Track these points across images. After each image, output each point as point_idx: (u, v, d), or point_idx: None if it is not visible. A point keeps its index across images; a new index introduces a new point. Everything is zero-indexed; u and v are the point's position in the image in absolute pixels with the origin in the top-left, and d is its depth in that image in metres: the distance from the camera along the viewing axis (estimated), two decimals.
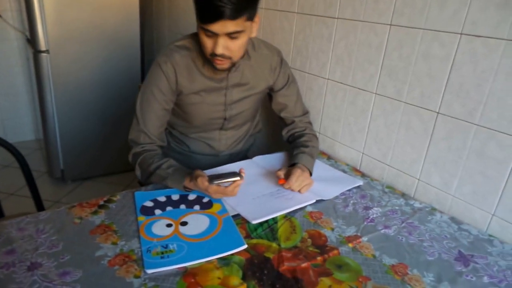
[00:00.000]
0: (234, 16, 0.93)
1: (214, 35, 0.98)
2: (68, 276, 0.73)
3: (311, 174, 1.14)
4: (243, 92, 1.22)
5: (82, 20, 2.18)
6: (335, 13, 1.28)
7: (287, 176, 1.09)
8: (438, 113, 1.04)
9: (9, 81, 2.83)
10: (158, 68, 1.11)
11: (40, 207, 1.33)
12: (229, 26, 0.95)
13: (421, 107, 1.08)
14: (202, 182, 0.98)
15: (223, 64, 1.05)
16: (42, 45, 2.12)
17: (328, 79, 1.36)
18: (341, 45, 1.28)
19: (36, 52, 2.14)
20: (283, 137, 1.35)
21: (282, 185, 1.09)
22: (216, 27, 0.95)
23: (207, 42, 1.00)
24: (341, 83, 1.31)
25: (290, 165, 1.16)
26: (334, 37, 1.30)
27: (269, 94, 1.32)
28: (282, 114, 1.31)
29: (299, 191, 1.08)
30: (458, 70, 0.97)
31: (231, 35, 0.98)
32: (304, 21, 1.42)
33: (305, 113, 1.33)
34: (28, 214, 0.92)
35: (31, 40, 2.15)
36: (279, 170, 1.13)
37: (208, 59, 1.06)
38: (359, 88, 1.25)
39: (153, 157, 1.11)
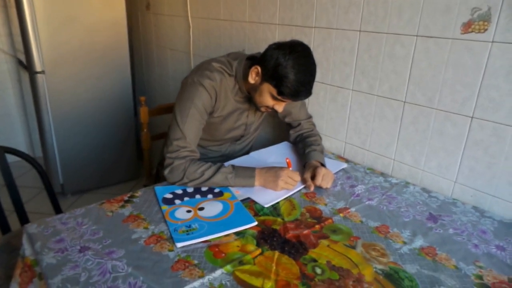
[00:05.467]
0: (308, 97, 1.16)
1: (281, 101, 1.18)
2: (114, 254, 0.88)
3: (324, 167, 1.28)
4: (259, 112, 1.38)
5: (74, 41, 2.31)
6: (312, 23, 1.48)
7: (312, 175, 1.22)
8: (404, 102, 1.25)
9: (0, 103, 2.91)
10: (201, 87, 1.20)
11: (58, 210, 1.46)
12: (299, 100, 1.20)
13: (391, 98, 1.28)
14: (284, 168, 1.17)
15: (268, 111, 1.28)
16: (38, 67, 2.24)
17: None
18: (319, 51, 1.48)
19: (32, 73, 2.26)
20: (290, 136, 1.50)
21: (308, 185, 1.20)
22: (291, 101, 1.19)
23: (270, 102, 1.19)
24: (322, 83, 1.51)
25: (305, 162, 1.30)
26: (312, 44, 1.50)
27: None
28: (287, 120, 1.48)
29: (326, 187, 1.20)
30: (417, 65, 1.18)
31: None
32: (285, 31, 1.62)
33: (309, 117, 1.50)
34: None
35: (27, 62, 2.26)
36: (305, 174, 1.23)
37: (255, 104, 1.25)
38: (338, 86, 1.45)
39: (200, 165, 1.17)
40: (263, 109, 1.25)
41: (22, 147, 3.08)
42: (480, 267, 0.88)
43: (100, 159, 2.61)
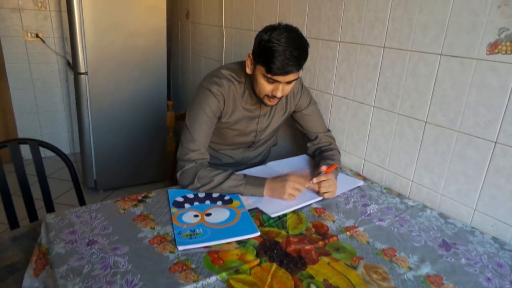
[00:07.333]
0: (298, 70, 1.13)
1: (275, 82, 1.15)
2: (118, 250, 0.92)
3: None
4: (271, 119, 1.39)
5: (116, 45, 2.45)
6: (338, 37, 1.48)
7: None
8: (426, 122, 1.20)
9: (48, 100, 3.14)
10: (209, 93, 1.25)
11: (82, 202, 1.55)
12: (291, 76, 1.14)
13: (411, 117, 1.24)
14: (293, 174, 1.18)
15: (274, 103, 1.24)
16: (82, 68, 2.40)
17: (333, 94, 1.54)
18: (343, 65, 1.47)
19: (77, 74, 2.42)
20: (308, 149, 1.49)
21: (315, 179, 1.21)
22: (282, 78, 1.14)
23: (266, 86, 1.17)
24: (344, 97, 1.49)
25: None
26: (337, 58, 1.49)
27: (291, 116, 1.48)
28: (305, 131, 1.47)
29: (323, 194, 1.20)
30: (440, 85, 1.14)
31: (289, 82, 1.17)
32: (312, 44, 1.61)
33: (328, 130, 1.48)
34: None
35: (73, 63, 2.43)
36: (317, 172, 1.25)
37: (259, 98, 1.23)
38: (359, 102, 1.43)
39: (211, 170, 1.20)
40: (266, 100, 1.22)
41: (65, 142, 3.30)
42: None
43: (132, 159, 2.72)
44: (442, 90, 1.14)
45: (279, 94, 1.17)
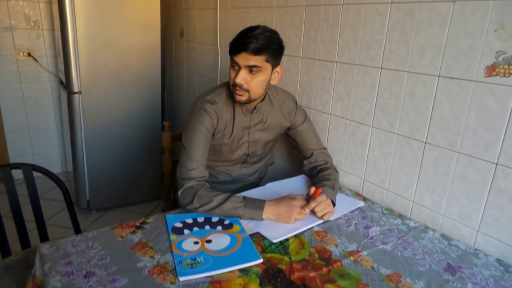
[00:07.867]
0: (255, 52, 1.15)
1: (238, 68, 1.19)
2: (117, 283, 0.89)
3: (334, 204, 1.26)
4: (263, 131, 1.40)
5: (110, 64, 2.43)
6: (334, 58, 1.48)
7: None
8: (425, 142, 1.20)
9: (40, 118, 3.10)
10: (203, 111, 1.28)
11: (77, 229, 1.51)
12: (250, 59, 1.16)
13: (411, 138, 1.24)
14: (298, 197, 1.20)
15: (241, 96, 1.23)
16: (75, 87, 2.38)
17: (330, 114, 1.54)
18: (341, 85, 1.48)
19: (70, 93, 2.39)
20: (304, 167, 1.49)
21: (307, 203, 1.20)
22: (240, 58, 1.16)
23: (232, 73, 1.21)
24: (342, 117, 1.49)
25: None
26: (334, 78, 1.50)
27: (286, 133, 1.49)
28: (300, 148, 1.48)
29: (321, 217, 1.19)
30: (438, 106, 1.14)
31: (251, 69, 1.18)
32: (308, 64, 1.63)
33: (323, 148, 1.49)
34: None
35: (66, 83, 2.40)
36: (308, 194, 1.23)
37: (231, 93, 1.26)
38: (358, 122, 1.43)
39: (211, 191, 1.21)
40: (234, 94, 1.23)
41: (57, 161, 3.24)
42: None
43: (125, 178, 2.68)
44: (441, 111, 1.14)
45: (238, 80, 1.18)
